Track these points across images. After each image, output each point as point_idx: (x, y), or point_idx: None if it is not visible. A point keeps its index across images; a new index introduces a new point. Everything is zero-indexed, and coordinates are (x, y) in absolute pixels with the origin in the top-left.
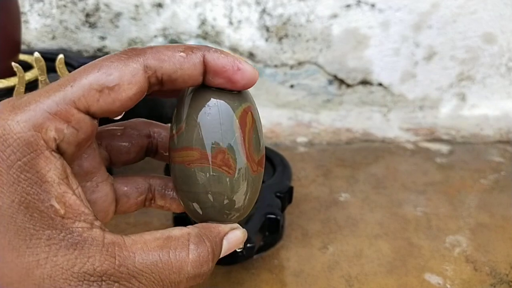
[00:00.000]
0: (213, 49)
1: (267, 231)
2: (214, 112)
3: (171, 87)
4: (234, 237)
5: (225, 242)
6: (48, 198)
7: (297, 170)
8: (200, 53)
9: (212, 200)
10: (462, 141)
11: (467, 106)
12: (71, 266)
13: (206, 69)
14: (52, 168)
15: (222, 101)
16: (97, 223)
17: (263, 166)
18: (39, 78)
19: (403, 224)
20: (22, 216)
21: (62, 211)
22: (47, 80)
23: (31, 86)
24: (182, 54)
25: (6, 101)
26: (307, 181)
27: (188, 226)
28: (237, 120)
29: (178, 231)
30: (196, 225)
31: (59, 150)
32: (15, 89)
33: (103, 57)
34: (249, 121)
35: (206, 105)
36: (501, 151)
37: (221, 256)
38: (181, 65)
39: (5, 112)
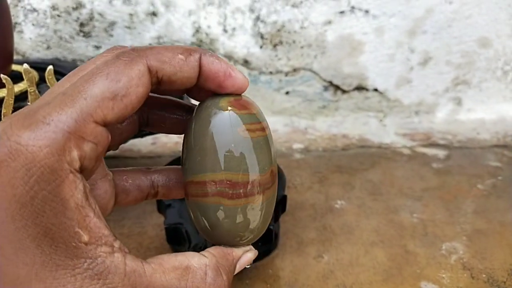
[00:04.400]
0: (209, 53)
1: (259, 241)
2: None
3: (167, 88)
4: (245, 258)
5: (237, 266)
6: (72, 225)
7: (293, 177)
8: (197, 56)
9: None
10: (458, 146)
11: (463, 110)
12: None
13: (199, 71)
14: (75, 192)
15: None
16: (117, 244)
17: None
18: (29, 89)
19: (399, 231)
20: (48, 247)
21: (86, 238)
22: (37, 92)
23: (23, 97)
24: (181, 56)
25: (16, 116)
26: (303, 188)
27: (205, 253)
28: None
29: (197, 260)
30: (213, 251)
31: (80, 168)
32: (4, 100)
33: (102, 60)
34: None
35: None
36: (498, 156)
37: None
38: (181, 68)
39: (21, 134)
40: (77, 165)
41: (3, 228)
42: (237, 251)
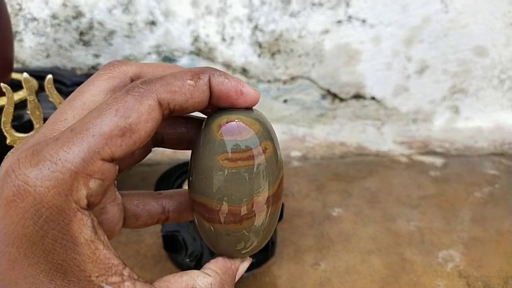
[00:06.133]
0: (218, 73)
1: None
2: None
3: (179, 114)
4: (242, 268)
5: (236, 277)
6: (83, 260)
7: (291, 184)
8: (207, 78)
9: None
10: (456, 154)
11: (461, 118)
12: None
13: (210, 93)
14: (83, 229)
15: None
16: (126, 272)
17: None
18: (28, 98)
19: (396, 239)
20: (61, 281)
21: (96, 271)
22: (36, 100)
23: (22, 105)
24: (190, 82)
25: (24, 152)
26: (301, 196)
27: (208, 272)
28: None
29: (202, 280)
30: (215, 268)
31: (87, 204)
32: (4, 109)
33: (113, 95)
34: None
35: None
36: (496, 164)
37: None
38: (192, 94)
39: (28, 173)
40: (84, 203)
41: (17, 265)
42: (235, 263)
